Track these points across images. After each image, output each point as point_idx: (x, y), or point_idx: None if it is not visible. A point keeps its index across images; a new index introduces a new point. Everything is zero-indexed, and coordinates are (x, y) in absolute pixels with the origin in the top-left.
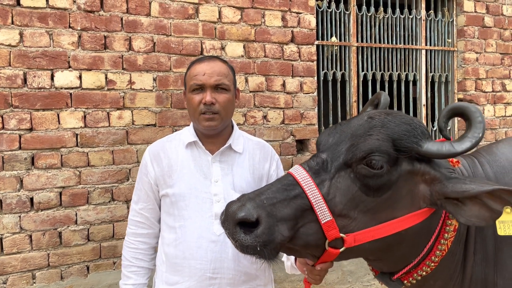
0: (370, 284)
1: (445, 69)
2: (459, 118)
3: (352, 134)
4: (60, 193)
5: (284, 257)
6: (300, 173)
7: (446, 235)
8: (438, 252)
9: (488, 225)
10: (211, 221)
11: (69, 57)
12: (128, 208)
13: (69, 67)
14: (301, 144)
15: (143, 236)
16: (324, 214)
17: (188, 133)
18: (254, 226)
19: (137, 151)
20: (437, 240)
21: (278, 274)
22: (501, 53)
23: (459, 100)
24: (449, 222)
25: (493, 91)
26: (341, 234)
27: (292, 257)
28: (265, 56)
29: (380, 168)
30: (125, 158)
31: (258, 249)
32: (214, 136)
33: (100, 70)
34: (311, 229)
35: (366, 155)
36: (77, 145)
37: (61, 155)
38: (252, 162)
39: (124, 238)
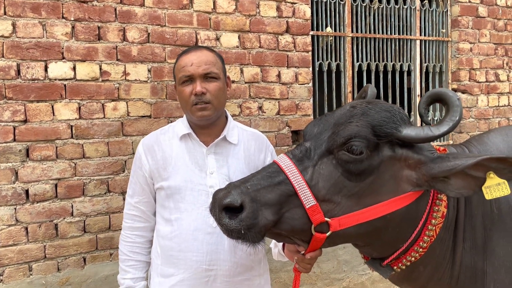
0: (365, 273)
1: (439, 59)
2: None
3: (335, 123)
4: (56, 185)
5: (272, 243)
6: (284, 161)
7: (433, 221)
8: (426, 238)
9: (473, 194)
10: (207, 213)
11: (62, 48)
12: (124, 199)
13: (63, 58)
14: (297, 135)
15: (140, 230)
16: (308, 199)
17: (181, 125)
18: (239, 211)
19: (132, 142)
20: (425, 226)
21: (274, 264)
22: (494, 43)
23: (453, 90)
24: (436, 208)
25: (486, 81)
26: (326, 219)
27: (280, 244)
28: (260, 47)
29: (360, 154)
30: (121, 150)
31: (243, 232)
32: (208, 127)
33: (94, 61)
34: (296, 214)
35: (346, 141)
36: (72, 137)
37: (56, 147)
38: (247, 153)
39: (120, 229)
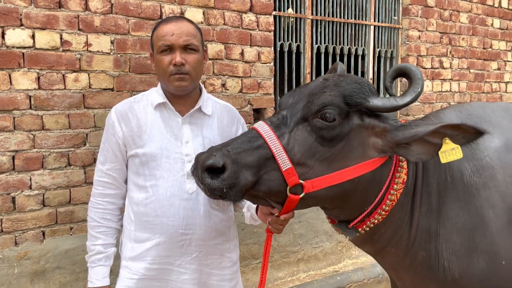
0: (318, 246)
1: (390, 45)
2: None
3: (309, 93)
4: (13, 157)
5: (245, 208)
6: (262, 127)
7: (395, 186)
8: (388, 202)
9: (430, 159)
10: (183, 180)
11: (21, 15)
12: (85, 173)
13: (21, 25)
14: (258, 113)
15: (111, 197)
16: (284, 162)
17: (156, 94)
18: (221, 172)
19: (94, 115)
20: (388, 190)
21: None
22: (440, 32)
23: None
24: (398, 175)
25: (432, 68)
26: (300, 181)
27: (253, 209)
28: (224, 24)
29: (332, 121)
30: (82, 123)
31: (225, 191)
32: (183, 98)
33: (55, 29)
34: (273, 176)
35: (320, 108)
36: (30, 108)
37: (14, 118)
38: (220, 124)
39: (81, 203)
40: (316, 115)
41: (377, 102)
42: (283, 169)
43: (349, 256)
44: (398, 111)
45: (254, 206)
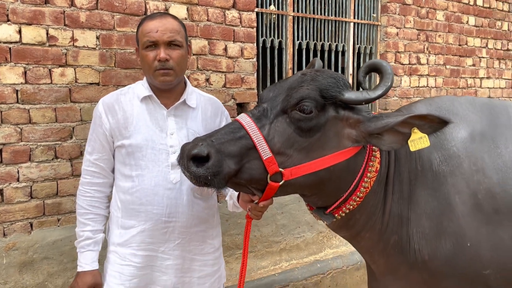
0: (300, 236)
1: (370, 41)
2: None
3: (288, 87)
4: (1, 150)
5: (227, 196)
6: (244, 119)
7: (369, 174)
8: (362, 189)
9: (401, 148)
10: (168, 171)
11: (7, 10)
12: (72, 166)
13: (8, 20)
14: (241, 108)
15: (99, 185)
16: (265, 151)
17: (142, 88)
18: (205, 161)
19: (80, 109)
20: (362, 178)
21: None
22: (417, 29)
23: None
24: (371, 163)
25: (409, 64)
26: (280, 169)
27: (234, 197)
28: (208, 20)
29: (310, 113)
30: (69, 116)
31: (209, 178)
32: (168, 91)
33: (41, 25)
34: (254, 165)
35: (298, 101)
36: (17, 102)
37: (1, 111)
38: (204, 116)
39: (68, 195)
40: (294, 108)
41: (351, 95)
42: (264, 158)
43: (329, 245)
44: (378, 106)
45: (236, 194)
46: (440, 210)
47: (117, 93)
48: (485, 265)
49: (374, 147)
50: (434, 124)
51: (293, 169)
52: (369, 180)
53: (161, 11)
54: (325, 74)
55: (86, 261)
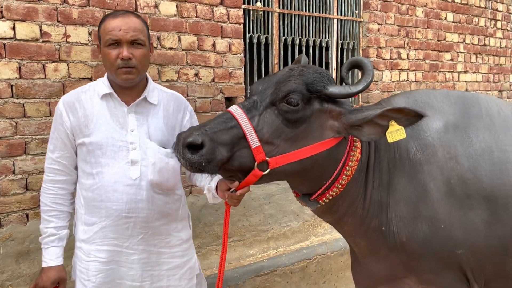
0: (287, 225)
1: (352, 37)
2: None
3: (276, 81)
4: None
5: (205, 190)
6: (236, 110)
7: (350, 163)
8: (344, 176)
9: (379, 139)
10: (127, 167)
11: (1, 7)
12: None
13: (2, 17)
14: (229, 102)
15: (61, 183)
16: (254, 141)
17: (102, 85)
18: (200, 148)
19: None
20: (344, 167)
21: (208, 218)
22: (398, 25)
23: None
24: (352, 153)
25: (390, 59)
26: (266, 158)
27: (213, 189)
28: (196, 17)
29: (296, 105)
30: None
31: (203, 164)
32: (129, 88)
33: (35, 21)
34: (244, 153)
35: (286, 94)
36: (12, 96)
37: None
38: (166, 113)
39: None
40: (282, 100)
41: (334, 89)
42: (253, 147)
43: (315, 234)
44: (360, 100)
45: (214, 187)
46: (417, 195)
47: (77, 91)
48: (458, 245)
49: (355, 138)
50: (410, 117)
51: (278, 158)
52: (350, 168)
53: (151, 7)
54: (311, 70)
55: (51, 257)
